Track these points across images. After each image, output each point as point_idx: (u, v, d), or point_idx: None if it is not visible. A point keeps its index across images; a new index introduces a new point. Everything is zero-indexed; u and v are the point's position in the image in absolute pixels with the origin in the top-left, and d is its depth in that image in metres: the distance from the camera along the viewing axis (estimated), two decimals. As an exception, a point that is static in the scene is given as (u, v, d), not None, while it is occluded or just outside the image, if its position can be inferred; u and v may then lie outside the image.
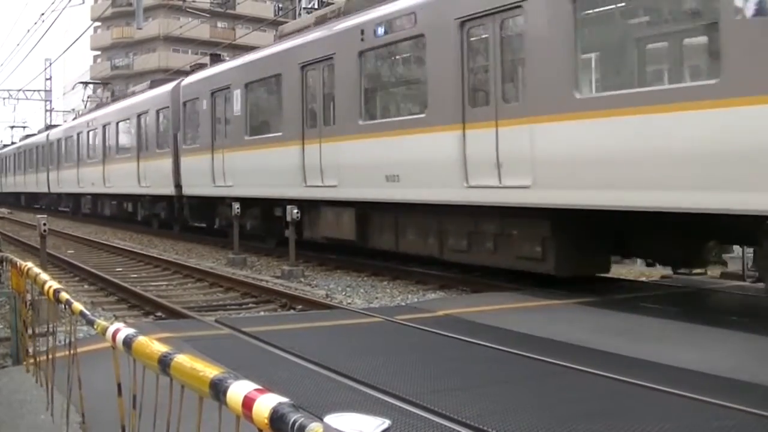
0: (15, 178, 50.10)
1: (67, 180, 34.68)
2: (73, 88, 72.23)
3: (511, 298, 10.02)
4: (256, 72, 17.14)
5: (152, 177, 23.40)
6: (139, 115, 24.79)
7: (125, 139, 26.90)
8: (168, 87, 22.89)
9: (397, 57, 13.22)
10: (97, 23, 67.25)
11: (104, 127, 28.93)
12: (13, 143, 58.51)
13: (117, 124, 27.53)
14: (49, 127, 46.59)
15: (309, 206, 15.01)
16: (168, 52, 67.16)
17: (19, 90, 58.68)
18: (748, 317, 8.28)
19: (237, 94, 17.59)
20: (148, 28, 45.11)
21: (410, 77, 12.97)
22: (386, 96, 13.75)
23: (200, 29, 53.30)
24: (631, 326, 7.96)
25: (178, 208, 22.32)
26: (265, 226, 17.56)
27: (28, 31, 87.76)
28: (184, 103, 20.96)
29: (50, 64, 60.04)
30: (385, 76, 13.64)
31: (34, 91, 60.40)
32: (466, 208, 11.05)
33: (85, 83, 45.97)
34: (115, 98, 34.34)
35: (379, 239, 13.58)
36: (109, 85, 43.26)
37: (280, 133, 15.74)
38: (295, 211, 13.75)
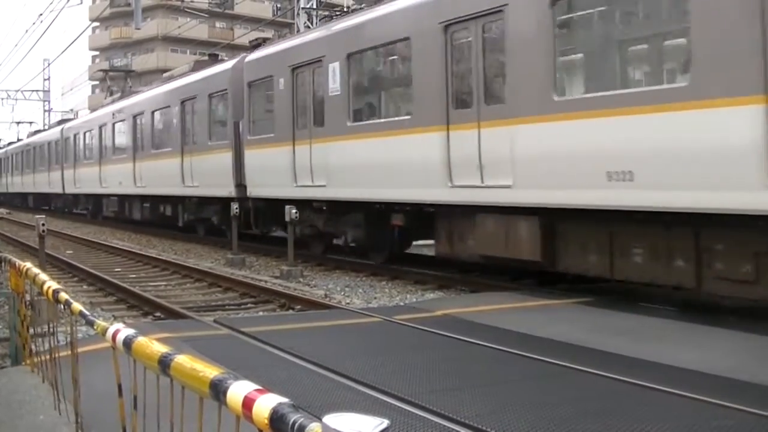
0: (22, 178, 45.41)
1: (86, 179, 30.70)
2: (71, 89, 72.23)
3: (511, 298, 10.02)
4: (365, 38, 13.18)
5: (202, 175, 19.57)
6: (183, 102, 20.88)
7: (164, 131, 22.92)
8: (226, 65, 19.12)
9: (624, 5, 9.46)
10: (96, 23, 67.26)
11: (135, 118, 24.98)
12: (19, 140, 55.06)
13: (152, 113, 23.42)
14: (62, 121, 42.11)
15: (453, 213, 11.65)
16: (166, 52, 67.19)
17: (18, 90, 58.72)
18: (747, 317, 8.29)
19: (334, 69, 13.71)
20: (146, 28, 45.05)
21: (656, 30, 9.14)
22: (603, 60, 9.82)
23: (199, 29, 53.28)
24: (630, 326, 7.96)
25: (246, 213, 17.94)
26: (371, 237, 14.01)
27: (27, 31, 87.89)
28: (250, 84, 17.10)
29: (48, 64, 60.12)
30: (603, 32, 9.76)
31: (33, 91, 60.42)
32: (735, 218, 7.70)
33: (106, 71, 40.47)
34: (121, 95, 30.89)
35: (580, 260, 9.65)
36: (133, 72, 39.37)
37: (407, 117, 12.07)
38: (294, 210, 13.64)
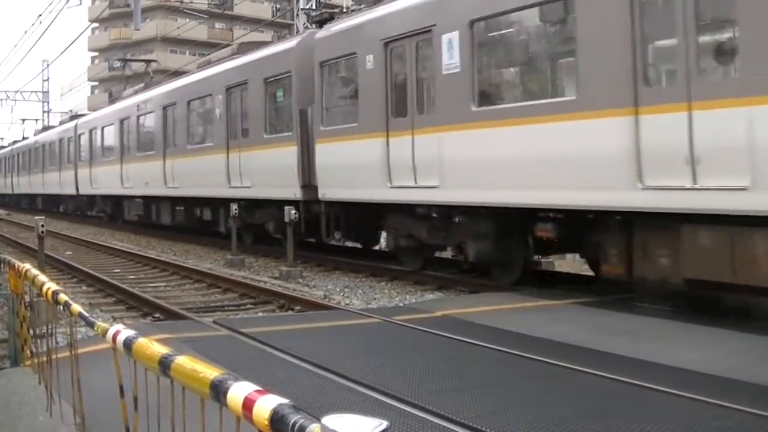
0: (30, 178, 41.93)
1: (104, 179, 27.64)
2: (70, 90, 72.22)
3: (510, 299, 10.02)
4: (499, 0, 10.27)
5: (256, 174, 16.61)
6: (229, 89, 17.91)
7: (203, 124, 20.28)
8: (289, 44, 16.35)
9: None
10: (95, 24, 67.28)
11: (165, 109, 21.94)
12: (24, 138, 52.21)
13: (188, 104, 20.55)
14: (75, 116, 38.61)
15: (631, 222, 8.90)
16: (165, 53, 67.19)
17: (17, 91, 58.76)
18: (747, 317, 8.30)
19: (451, 41, 10.82)
20: (145, 29, 45.06)
21: None
22: None
23: (198, 30, 53.34)
24: (629, 326, 7.97)
25: (308, 219, 14.98)
26: (500, 251, 11.02)
27: (26, 32, 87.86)
28: (323, 64, 14.17)
29: (48, 65, 60.08)
30: None
31: (32, 92, 60.43)
32: None
33: (124, 60, 36.14)
34: (145, 85, 27.35)
35: None
36: (154, 62, 35.89)
37: (568, 98, 9.25)
38: (293, 212, 13.59)
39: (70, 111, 59.02)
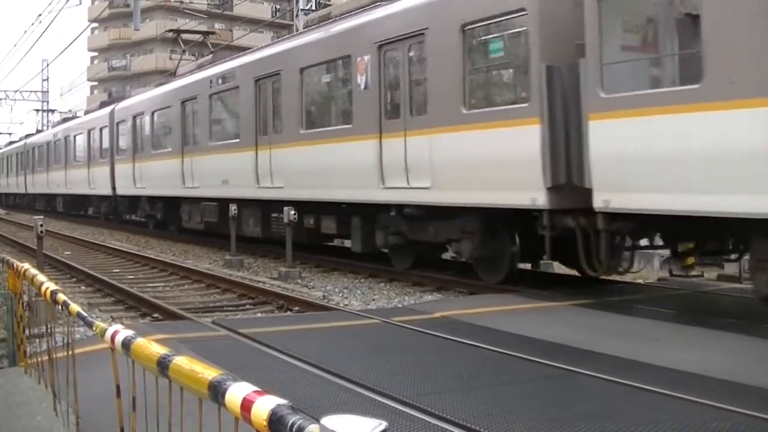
0: (49, 176, 36.50)
1: (155, 177, 22.44)
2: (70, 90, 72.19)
3: (509, 300, 10.02)
4: None
5: (441, 168, 11.34)
6: (383, 46, 12.54)
7: (327, 99, 15.15)
8: None
9: None
10: (95, 24, 67.29)
11: (258, 84, 16.54)
12: (39, 131, 47.61)
13: (301, 72, 14.92)
14: (105, 103, 32.33)
15: None
16: (165, 53, 67.19)
17: (16, 91, 58.80)
18: (744, 319, 8.30)
19: None
20: (145, 29, 45.06)
21: None
22: None
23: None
24: (627, 328, 7.98)
25: (560, 236, 9.93)
26: None
27: (26, 31, 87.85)
28: None
29: (47, 65, 60.15)
30: None
31: (31, 92, 60.47)
32: None
33: (178, 31, 27.89)
34: (213, 57, 22.41)
35: None
36: (212, 34, 30.28)
37: None
38: (292, 212, 13.59)
39: (70, 111, 58.92)
